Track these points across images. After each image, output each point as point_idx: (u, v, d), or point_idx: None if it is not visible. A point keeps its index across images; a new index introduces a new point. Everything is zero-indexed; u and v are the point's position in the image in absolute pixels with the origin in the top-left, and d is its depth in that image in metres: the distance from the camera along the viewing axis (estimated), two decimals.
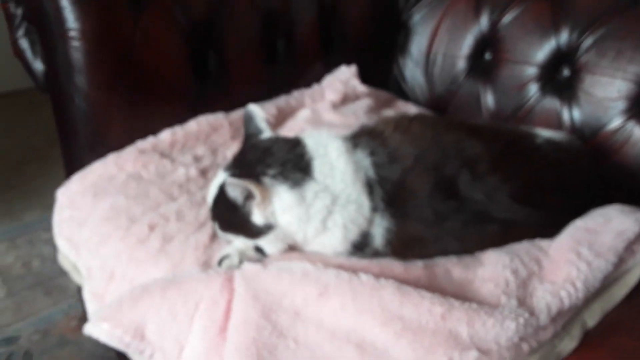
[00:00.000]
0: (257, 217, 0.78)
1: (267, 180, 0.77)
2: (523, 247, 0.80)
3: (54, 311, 1.58)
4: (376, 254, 0.79)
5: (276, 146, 0.82)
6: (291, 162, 0.79)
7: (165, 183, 0.98)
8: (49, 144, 1.09)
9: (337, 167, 0.79)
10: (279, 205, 0.77)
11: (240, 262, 0.80)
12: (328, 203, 0.77)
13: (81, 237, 0.95)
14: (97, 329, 0.74)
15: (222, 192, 0.80)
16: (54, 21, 1.02)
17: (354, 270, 0.72)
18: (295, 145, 0.81)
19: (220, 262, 0.81)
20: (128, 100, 1.09)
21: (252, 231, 0.79)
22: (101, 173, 1.01)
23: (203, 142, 1.10)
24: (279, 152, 0.80)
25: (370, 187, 0.78)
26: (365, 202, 0.78)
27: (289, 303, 0.70)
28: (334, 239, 0.78)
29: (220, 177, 0.83)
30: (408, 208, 0.78)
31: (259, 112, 0.88)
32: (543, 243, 0.81)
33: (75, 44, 1.02)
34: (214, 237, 0.88)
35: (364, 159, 0.80)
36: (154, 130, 1.10)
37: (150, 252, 0.86)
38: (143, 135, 1.09)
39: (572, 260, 0.75)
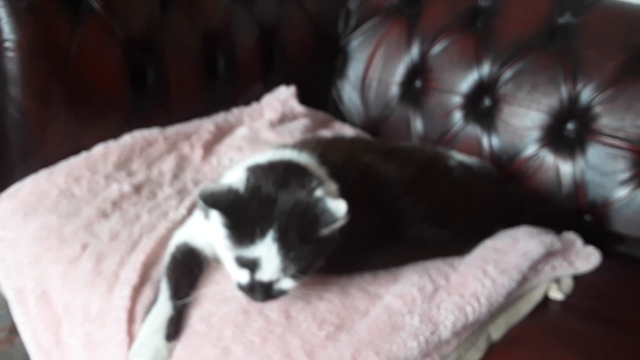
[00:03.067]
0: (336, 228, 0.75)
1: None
2: (434, 265, 0.85)
3: None
4: None
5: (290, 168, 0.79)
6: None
7: (97, 200, 0.98)
8: None
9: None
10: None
11: None
12: None
13: (13, 259, 0.94)
14: None
15: (301, 242, 0.73)
16: None
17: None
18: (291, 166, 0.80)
19: None
20: (63, 112, 1.09)
21: (333, 244, 0.76)
22: (32, 190, 1.00)
23: (138, 156, 1.10)
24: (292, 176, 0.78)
25: None
26: None
27: None
28: None
29: (268, 245, 0.72)
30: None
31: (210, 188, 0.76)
32: (454, 260, 0.87)
33: (10, 54, 1.02)
34: (149, 256, 0.88)
35: None
36: (90, 142, 1.10)
37: (84, 273, 0.86)
38: (78, 146, 1.09)
39: (478, 276, 0.81)
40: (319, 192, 0.74)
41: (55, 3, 1.04)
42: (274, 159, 0.82)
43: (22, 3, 1.01)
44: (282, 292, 0.76)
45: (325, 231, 0.73)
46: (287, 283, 0.76)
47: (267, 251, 0.72)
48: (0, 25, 1.01)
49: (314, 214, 0.72)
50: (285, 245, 0.72)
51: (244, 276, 0.75)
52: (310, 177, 0.77)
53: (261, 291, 0.75)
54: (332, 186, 0.79)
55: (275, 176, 0.76)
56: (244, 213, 0.73)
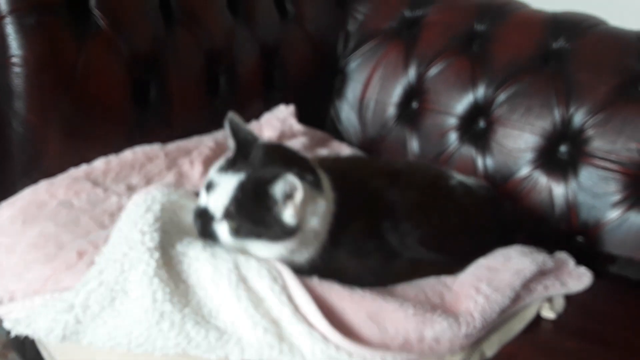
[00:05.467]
0: (290, 218, 0.78)
1: (306, 184, 0.78)
2: (429, 283, 0.87)
3: None
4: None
5: (296, 154, 0.88)
6: (313, 173, 0.83)
7: (96, 211, 0.99)
8: None
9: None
10: (312, 210, 0.80)
11: None
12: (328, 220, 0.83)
13: (8, 264, 0.94)
14: None
15: (253, 191, 0.78)
16: None
17: None
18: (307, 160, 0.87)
19: None
20: (66, 127, 1.10)
21: (278, 233, 0.79)
22: (32, 199, 1.01)
23: (138, 172, 1.11)
24: (305, 161, 0.85)
25: None
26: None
27: None
28: (305, 255, 0.83)
29: (233, 178, 0.79)
30: (340, 240, 0.84)
31: (242, 121, 0.89)
32: (448, 279, 0.89)
33: (17, 70, 1.04)
34: None
35: None
36: (91, 157, 1.11)
37: (78, 279, 0.86)
38: (80, 160, 1.10)
39: (471, 295, 0.83)
40: (291, 177, 0.76)
41: (62, 20, 1.07)
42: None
43: (30, 19, 1.03)
44: (214, 236, 0.81)
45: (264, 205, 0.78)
46: (221, 229, 0.80)
47: (227, 183, 0.79)
48: (8, 41, 1.03)
49: (269, 188, 0.77)
50: (242, 190, 0.78)
51: (202, 200, 0.82)
52: (308, 163, 0.84)
53: (202, 221, 0.81)
54: (325, 179, 0.84)
55: (285, 152, 0.86)
56: (244, 151, 0.83)
